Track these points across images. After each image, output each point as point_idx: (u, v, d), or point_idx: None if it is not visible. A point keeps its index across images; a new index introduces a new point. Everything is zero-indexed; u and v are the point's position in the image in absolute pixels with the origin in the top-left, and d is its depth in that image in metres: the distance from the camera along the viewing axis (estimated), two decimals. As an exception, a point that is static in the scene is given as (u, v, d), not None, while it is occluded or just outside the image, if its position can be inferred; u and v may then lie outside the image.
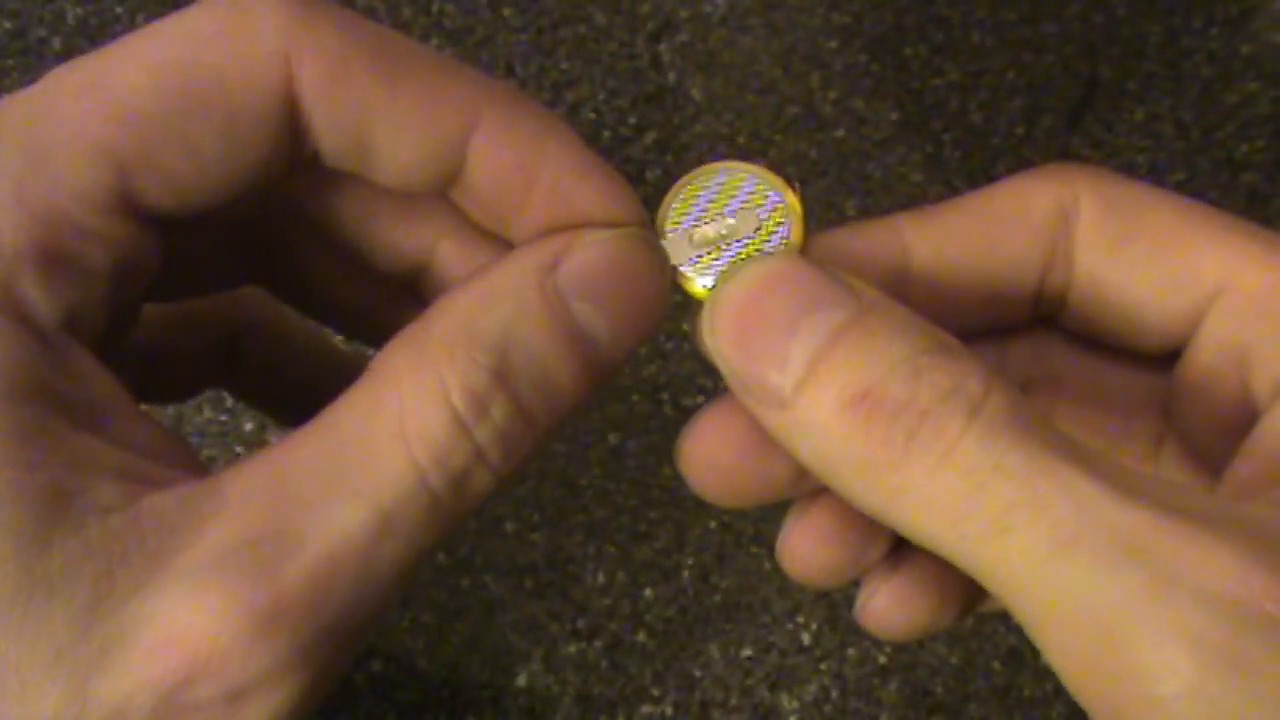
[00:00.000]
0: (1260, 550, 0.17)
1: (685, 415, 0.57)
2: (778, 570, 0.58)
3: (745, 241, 0.23)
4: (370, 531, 0.19)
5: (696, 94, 0.65)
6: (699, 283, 0.23)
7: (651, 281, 0.22)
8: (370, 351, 0.29)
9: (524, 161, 0.22)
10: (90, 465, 0.19)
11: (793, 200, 0.23)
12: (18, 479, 0.18)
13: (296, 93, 0.20)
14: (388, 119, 0.21)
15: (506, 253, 0.23)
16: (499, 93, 0.21)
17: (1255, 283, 0.22)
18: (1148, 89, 0.66)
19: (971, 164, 0.64)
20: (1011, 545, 0.18)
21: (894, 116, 0.65)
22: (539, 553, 0.56)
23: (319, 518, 0.19)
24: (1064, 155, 0.65)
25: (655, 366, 0.59)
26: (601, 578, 0.56)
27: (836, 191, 0.63)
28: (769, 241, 0.23)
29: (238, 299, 0.28)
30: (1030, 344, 0.26)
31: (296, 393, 0.31)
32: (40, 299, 0.19)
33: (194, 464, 0.21)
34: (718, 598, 0.56)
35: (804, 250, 0.23)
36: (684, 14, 0.67)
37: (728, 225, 0.23)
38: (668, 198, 0.23)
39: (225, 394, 0.57)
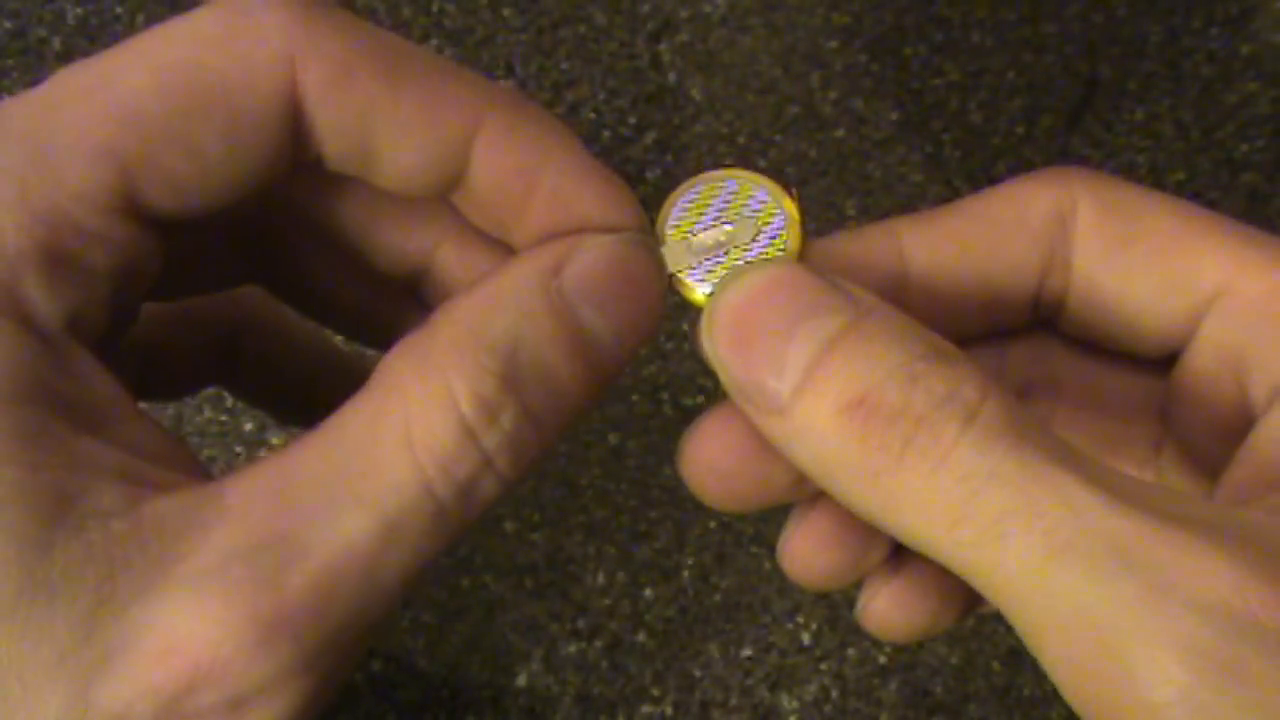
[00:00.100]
0: (1254, 557, 0.17)
1: (685, 415, 0.58)
2: (778, 570, 0.58)
3: (743, 248, 0.23)
4: (375, 540, 0.19)
5: (696, 94, 0.65)
6: (698, 290, 0.23)
7: (652, 285, 0.22)
8: (370, 352, 0.29)
9: (526, 166, 0.22)
10: (92, 468, 0.19)
11: (790, 206, 0.23)
12: (20, 481, 0.18)
13: (300, 96, 0.20)
14: (391, 123, 0.21)
15: (508, 257, 0.23)
16: (501, 97, 0.21)
17: (1252, 287, 0.22)
18: (1148, 89, 0.66)
19: (971, 164, 0.64)
20: (1006, 552, 0.18)
21: (894, 116, 0.65)
22: (539, 553, 0.56)
23: (323, 525, 0.19)
24: (1064, 155, 0.64)
25: (655, 366, 0.59)
26: (601, 578, 0.56)
27: (836, 191, 0.63)
28: (767, 248, 0.23)
29: (237, 297, 0.28)
30: (1029, 348, 0.26)
31: (296, 391, 0.31)
32: (43, 300, 0.19)
33: (195, 467, 0.21)
34: (718, 598, 0.56)
35: (802, 256, 0.23)
36: (684, 14, 0.67)
37: (726, 232, 0.23)
38: (666, 205, 0.24)
39: (225, 394, 0.57)
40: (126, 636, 0.18)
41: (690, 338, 0.57)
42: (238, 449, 0.57)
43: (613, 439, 0.58)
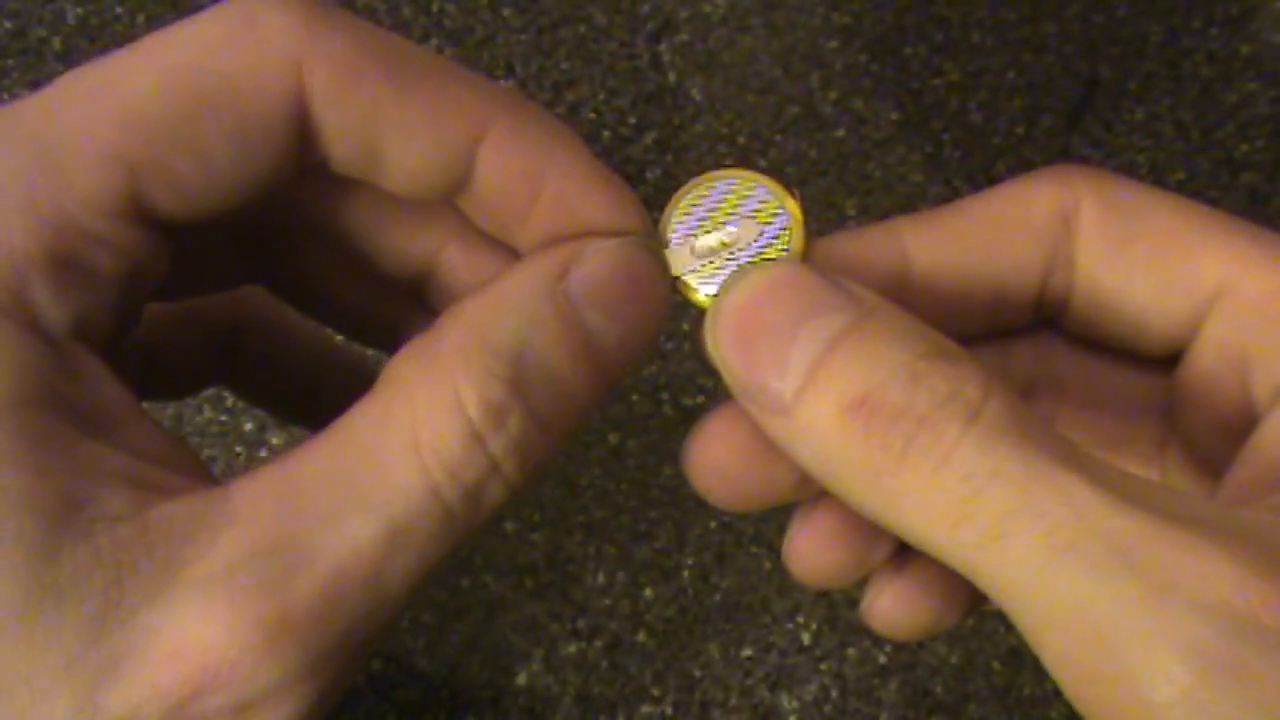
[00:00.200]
0: (1256, 557, 0.17)
1: (685, 415, 0.58)
2: (778, 570, 0.58)
3: (746, 249, 0.23)
4: (381, 545, 0.19)
5: (696, 94, 0.65)
6: (701, 291, 0.23)
7: (656, 289, 0.22)
8: (370, 352, 0.29)
9: (531, 170, 0.22)
10: (99, 472, 0.19)
11: (793, 207, 0.23)
12: (28, 486, 0.18)
13: (306, 99, 0.20)
14: (397, 126, 0.21)
15: (513, 261, 0.23)
16: (507, 101, 0.21)
17: (1255, 286, 0.22)
18: (1148, 89, 0.66)
19: (971, 164, 0.64)
20: (1008, 551, 0.18)
21: (894, 116, 0.65)
22: (539, 553, 0.56)
23: (329, 530, 0.19)
24: (1064, 155, 0.65)
25: (655, 366, 0.59)
26: (601, 578, 0.56)
27: (836, 191, 0.63)
28: (770, 249, 0.23)
29: (238, 296, 0.28)
30: (1033, 347, 0.26)
31: (297, 389, 0.31)
32: (50, 305, 0.19)
33: (200, 470, 0.21)
34: (718, 598, 0.56)
35: (805, 256, 0.23)
36: (684, 14, 0.67)
37: (729, 233, 0.23)
38: (669, 207, 0.24)
39: (225, 394, 0.57)
40: (134, 641, 0.18)
41: (693, 338, 0.57)
42: (238, 449, 0.57)
43: (613, 439, 0.58)
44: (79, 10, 0.65)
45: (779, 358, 0.20)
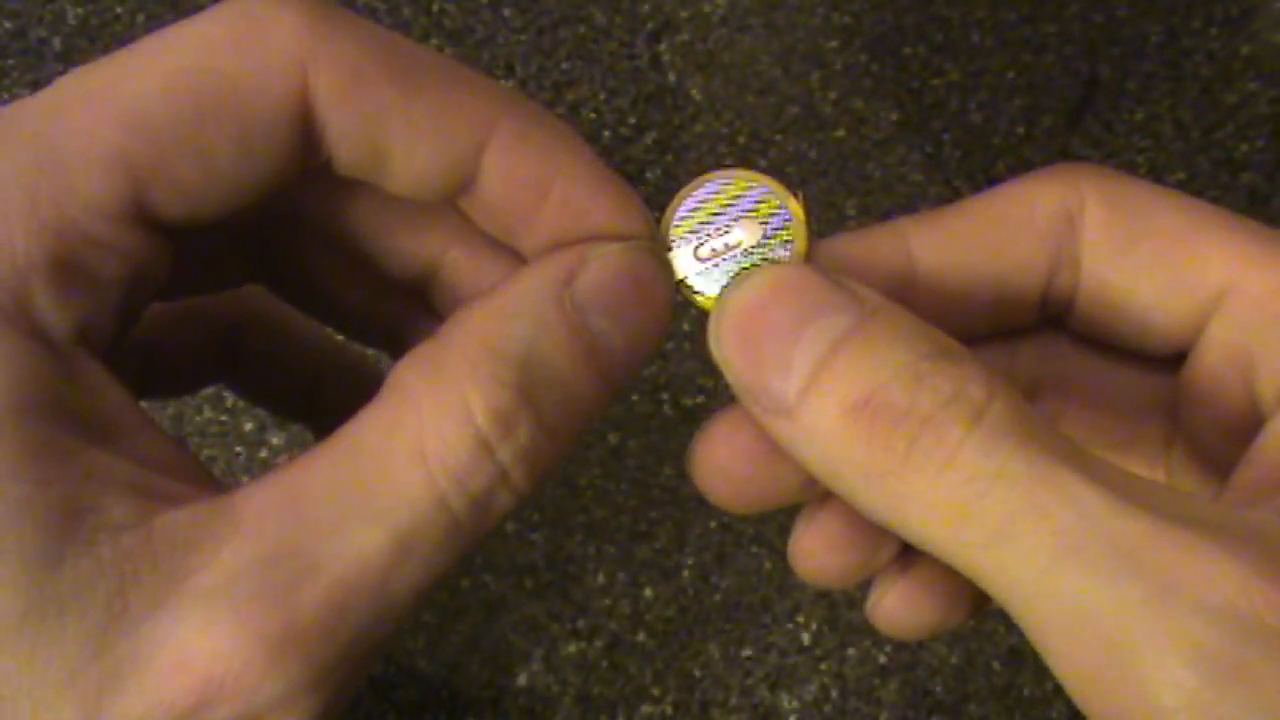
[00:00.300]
0: (1261, 559, 0.17)
1: (685, 415, 0.58)
2: (778, 570, 0.58)
3: (749, 250, 0.23)
4: (387, 554, 0.19)
5: (696, 94, 0.65)
6: (705, 294, 0.23)
7: (661, 293, 0.22)
8: (371, 351, 0.29)
9: (536, 174, 0.21)
10: (102, 481, 0.18)
11: (796, 207, 0.23)
12: (30, 496, 0.17)
13: (311, 101, 0.20)
14: (402, 128, 0.20)
15: (516, 263, 0.23)
16: (513, 103, 0.21)
17: (1261, 285, 0.22)
18: (1148, 89, 0.66)
19: (971, 164, 0.64)
20: (1013, 553, 0.18)
21: (894, 116, 0.65)
22: (539, 553, 0.56)
23: (335, 541, 0.19)
24: (1064, 155, 0.65)
25: (655, 366, 0.59)
26: (601, 578, 0.56)
27: (836, 191, 0.63)
28: (773, 250, 0.23)
29: (238, 294, 0.28)
30: (1038, 346, 0.26)
31: (297, 387, 0.30)
32: (52, 312, 0.19)
33: (203, 477, 0.20)
34: (718, 598, 0.56)
35: (808, 257, 0.23)
36: (684, 14, 0.67)
37: (732, 234, 0.23)
38: (670, 208, 0.23)
39: (225, 394, 0.57)
40: (138, 652, 0.17)
41: (694, 339, 0.57)
42: (238, 449, 0.57)
43: (613, 439, 0.58)
44: (79, 10, 0.65)
45: (782, 358, 0.20)
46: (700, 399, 0.58)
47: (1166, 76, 0.66)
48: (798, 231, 0.23)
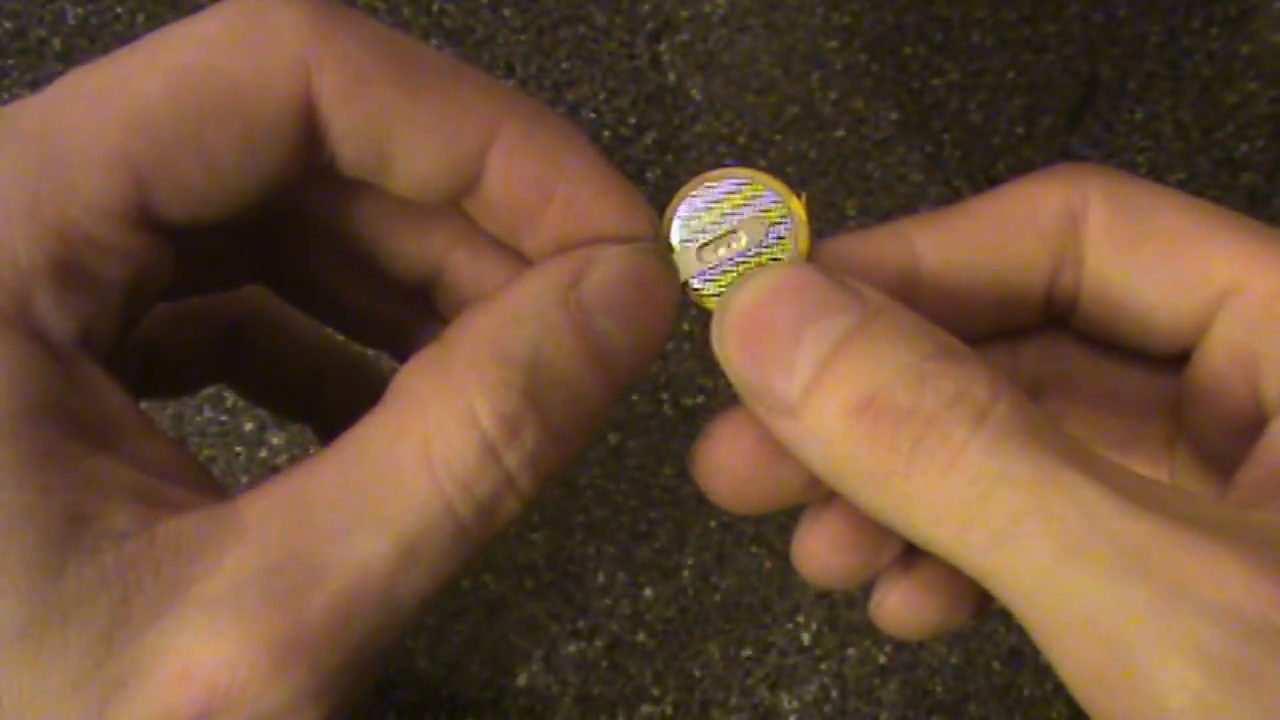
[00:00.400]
0: (1266, 560, 0.17)
1: (685, 415, 0.58)
2: (778, 570, 0.58)
3: (752, 251, 0.23)
4: (393, 561, 0.19)
5: (696, 94, 0.65)
6: (709, 294, 0.23)
7: (666, 295, 0.22)
8: (372, 351, 0.29)
9: (541, 175, 0.21)
10: (105, 487, 0.18)
11: (798, 207, 0.23)
12: (32, 504, 0.17)
13: (315, 101, 0.20)
14: (407, 129, 0.20)
15: (520, 265, 0.23)
16: (518, 104, 0.21)
17: (1265, 285, 0.22)
18: (1148, 89, 0.66)
19: (971, 164, 0.64)
20: (1017, 554, 0.18)
21: (894, 116, 0.65)
22: (539, 553, 0.56)
23: (340, 547, 0.18)
24: (1064, 155, 0.65)
25: (655, 366, 0.59)
26: (601, 578, 0.56)
27: (836, 191, 0.63)
28: (775, 249, 0.23)
29: (240, 293, 0.28)
30: (1041, 346, 0.26)
31: (298, 386, 0.30)
32: (54, 315, 0.19)
33: (207, 483, 0.20)
34: (718, 598, 0.56)
35: (811, 257, 0.23)
36: (684, 14, 0.67)
37: (734, 235, 0.23)
38: (671, 208, 0.23)
39: (225, 394, 0.57)
40: (141, 661, 0.17)
41: (694, 338, 0.57)
42: (238, 449, 0.57)
43: (613, 439, 0.58)
44: (79, 10, 0.65)
45: (785, 359, 0.20)
46: (700, 399, 0.58)
47: (1166, 76, 0.66)
48: (799, 231, 0.23)
